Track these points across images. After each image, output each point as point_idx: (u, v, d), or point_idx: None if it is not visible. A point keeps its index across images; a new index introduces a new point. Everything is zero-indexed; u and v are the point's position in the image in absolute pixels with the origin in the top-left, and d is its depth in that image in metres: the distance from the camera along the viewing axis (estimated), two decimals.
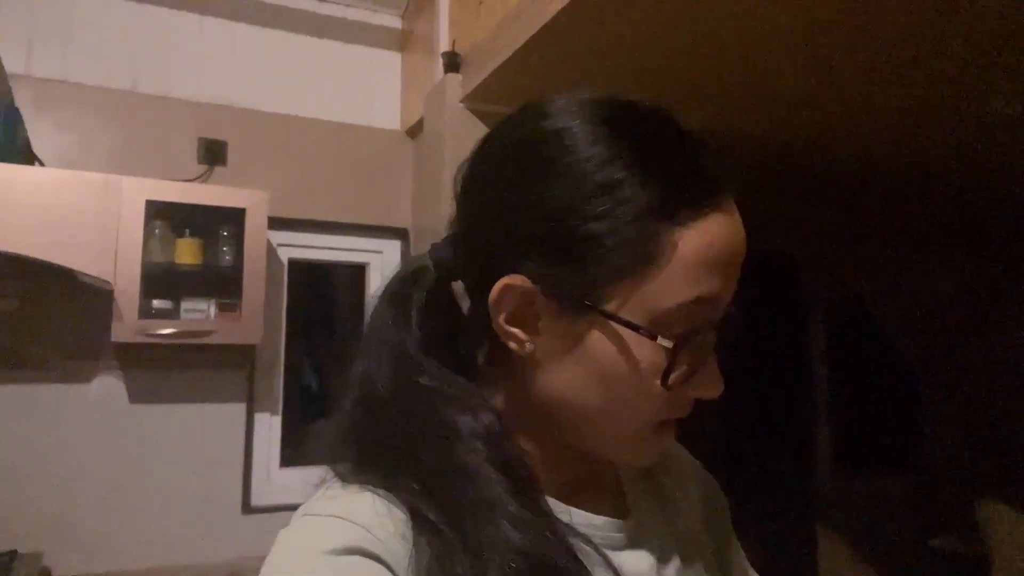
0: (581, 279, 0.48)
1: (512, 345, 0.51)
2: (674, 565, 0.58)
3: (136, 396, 2.15)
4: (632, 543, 0.57)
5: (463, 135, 1.91)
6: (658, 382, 0.48)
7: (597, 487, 0.59)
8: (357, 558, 0.44)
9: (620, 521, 0.57)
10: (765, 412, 3.04)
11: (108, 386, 2.12)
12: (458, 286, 0.58)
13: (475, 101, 1.92)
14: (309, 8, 2.55)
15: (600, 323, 0.48)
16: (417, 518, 0.46)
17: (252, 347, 2.24)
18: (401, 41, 2.69)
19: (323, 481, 0.52)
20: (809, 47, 1.57)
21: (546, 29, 1.49)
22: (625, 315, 0.48)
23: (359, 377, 0.54)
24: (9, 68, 1.99)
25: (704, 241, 0.48)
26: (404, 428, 0.51)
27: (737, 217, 0.50)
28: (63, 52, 2.19)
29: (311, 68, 2.55)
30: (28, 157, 2.05)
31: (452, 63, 1.97)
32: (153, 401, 2.17)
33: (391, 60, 2.68)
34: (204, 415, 2.22)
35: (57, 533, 2.00)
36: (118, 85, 2.25)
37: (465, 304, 0.58)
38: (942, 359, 3.34)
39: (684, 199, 0.48)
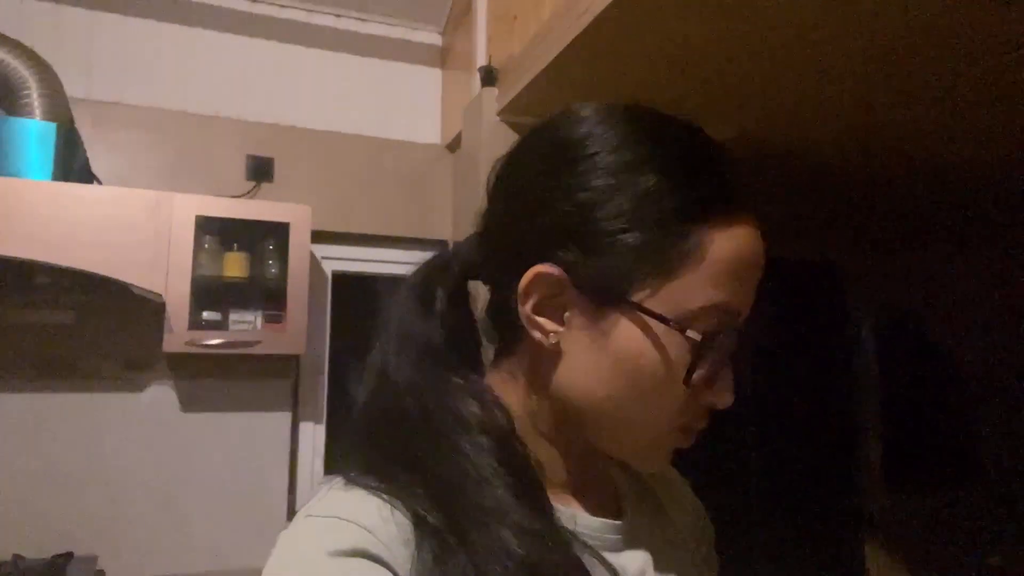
0: (613, 271, 0.49)
1: (537, 335, 0.52)
2: (668, 568, 0.59)
3: (186, 405, 2.23)
4: (628, 545, 0.57)
5: (499, 148, 1.90)
6: (681, 378, 0.49)
7: (594, 487, 0.59)
8: (360, 560, 0.44)
9: (617, 523, 0.57)
10: (812, 427, 2.97)
11: (160, 395, 2.20)
12: (474, 286, 0.59)
13: (510, 114, 1.94)
14: (352, 28, 2.62)
15: (629, 315, 0.49)
16: (420, 522, 0.47)
17: (296, 357, 2.30)
18: (441, 57, 2.74)
19: (328, 480, 0.51)
20: (859, 55, 1.55)
21: (577, 42, 1.50)
22: (655, 309, 0.48)
23: (377, 367, 0.54)
24: (69, 92, 2.10)
25: (732, 246, 0.49)
26: (416, 425, 0.51)
27: (759, 233, 0.52)
28: (119, 76, 2.30)
29: (354, 86, 2.62)
30: (87, 176, 2.15)
31: (488, 77, 2.00)
32: (202, 410, 2.24)
33: (432, 76, 2.73)
34: (251, 424, 2.28)
35: (111, 537, 2.07)
36: (171, 106, 2.35)
37: (477, 305, 0.59)
38: (998, 371, 3.22)
39: (718, 204, 0.49)
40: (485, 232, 0.57)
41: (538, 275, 0.50)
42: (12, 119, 1.94)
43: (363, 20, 2.64)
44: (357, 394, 0.56)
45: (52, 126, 1.94)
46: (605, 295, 0.50)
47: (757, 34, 1.46)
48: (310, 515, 0.48)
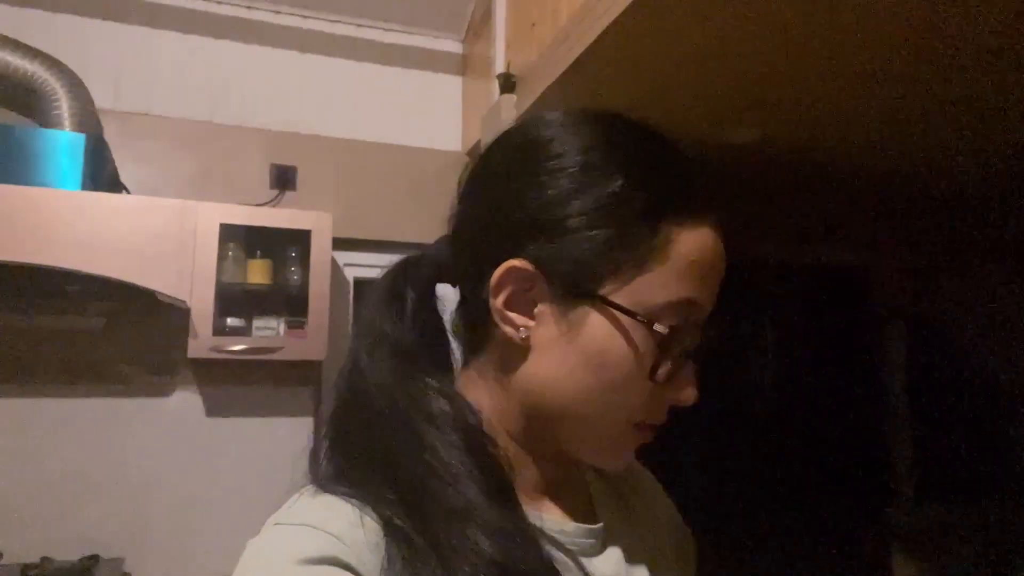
0: (582, 266, 0.50)
1: (507, 329, 0.52)
2: (643, 571, 0.59)
3: (211, 410, 2.26)
4: (603, 548, 0.57)
5: None
6: (647, 372, 0.50)
7: (567, 492, 0.59)
8: (329, 568, 0.44)
9: (591, 527, 0.57)
10: (839, 436, 2.93)
11: (185, 400, 2.23)
12: (441, 288, 0.60)
13: None
14: (374, 37, 2.65)
15: (598, 308, 0.50)
16: (389, 527, 0.46)
17: (318, 363, 2.32)
18: (462, 65, 2.76)
19: (297, 489, 0.51)
20: (890, 57, 1.53)
21: (594, 48, 1.51)
22: (622, 303, 0.50)
23: (349, 369, 0.55)
24: (98, 103, 2.15)
25: (697, 244, 0.51)
26: (386, 425, 0.51)
27: (721, 232, 0.53)
28: (147, 87, 2.35)
29: (376, 94, 2.64)
30: (115, 185, 2.20)
31: (507, 84, 2.01)
32: (226, 415, 2.27)
33: (452, 84, 2.75)
34: (274, 429, 2.31)
35: (137, 540, 2.11)
36: (196, 116, 2.39)
37: (444, 307, 0.60)
38: None
39: (682, 203, 0.51)
40: (455, 233, 0.59)
41: (510, 269, 0.51)
42: (43, 130, 1.99)
43: (385, 29, 2.67)
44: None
45: (81, 137, 1.99)
46: (574, 289, 0.51)
47: (778, 36, 1.45)
48: (279, 523, 0.48)
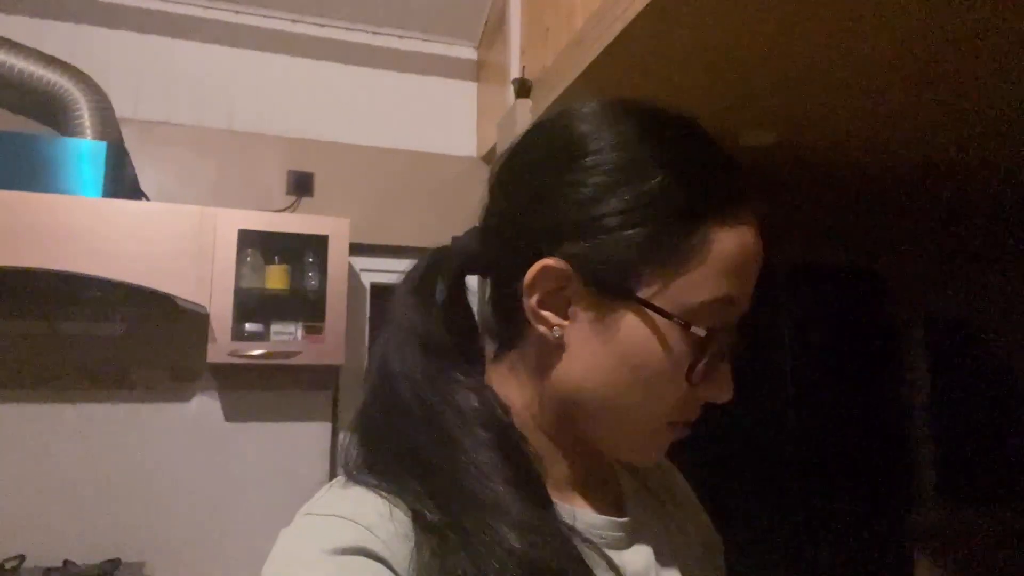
0: (619, 266, 0.49)
1: (541, 328, 0.52)
2: (673, 565, 0.58)
3: (230, 415, 2.27)
4: (632, 542, 0.56)
5: None
6: (683, 373, 0.50)
7: (596, 485, 0.59)
8: (359, 558, 0.44)
9: (620, 520, 0.57)
10: (861, 438, 2.90)
11: (205, 405, 2.25)
12: (470, 280, 0.60)
13: None
14: (390, 44, 2.67)
15: (635, 309, 0.49)
16: (419, 519, 0.46)
17: (336, 368, 2.33)
18: (477, 71, 2.77)
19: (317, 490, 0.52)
20: (907, 58, 1.52)
21: (609, 51, 1.51)
22: (660, 303, 0.49)
23: (378, 363, 0.54)
24: (119, 112, 2.18)
25: (738, 242, 0.50)
26: (415, 420, 0.51)
27: (759, 229, 0.52)
28: (166, 96, 2.38)
29: (392, 101, 2.66)
30: (135, 192, 2.22)
31: (522, 89, 2.01)
32: (246, 419, 2.29)
33: (468, 90, 2.76)
34: (292, 433, 2.32)
35: (158, 544, 2.12)
36: (215, 124, 2.42)
37: (473, 298, 0.59)
38: None
39: (722, 200, 0.50)
40: (486, 226, 0.58)
41: (544, 268, 0.50)
42: (64, 139, 2.02)
43: (400, 37, 2.68)
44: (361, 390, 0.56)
45: (102, 145, 2.02)
46: (610, 289, 0.50)
47: (795, 37, 1.45)
48: (310, 513, 0.48)
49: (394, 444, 0.50)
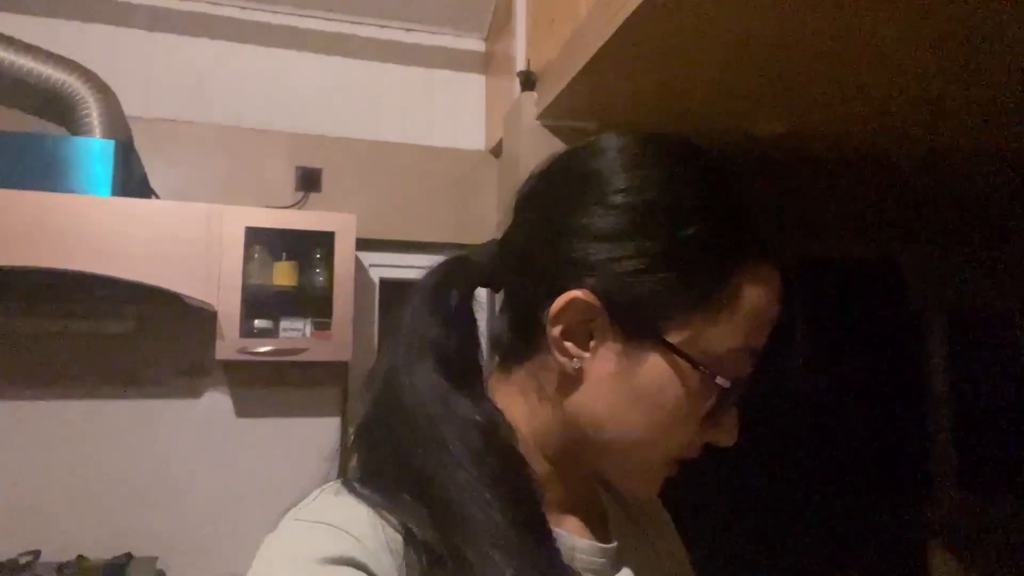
0: (647, 308, 0.49)
1: (560, 359, 0.51)
2: None
3: (241, 411, 2.29)
4: (616, 567, 0.57)
5: (539, 151, 1.92)
6: (698, 417, 0.50)
7: (584, 508, 0.59)
8: (346, 569, 0.43)
9: (605, 546, 0.56)
10: (876, 431, 2.87)
11: (215, 402, 2.27)
12: (480, 293, 0.59)
13: (549, 117, 1.94)
14: (397, 38, 2.66)
15: (661, 352, 0.49)
16: (410, 534, 0.46)
17: (345, 363, 2.34)
18: (484, 64, 2.75)
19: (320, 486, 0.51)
20: (920, 43, 1.49)
21: (612, 42, 1.48)
22: (685, 349, 0.49)
23: (385, 371, 0.54)
24: (127, 110, 2.19)
25: (764, 292, 0.50)
26: (418, 437, 0.50)
27: (782, 278, 0.52)
28: (174, 93, 2.38)
29: (400, 95, 2.65)
30: (145, 191, 2.23)
31: (528, 82, 2.00)
32: (256, 416, 2.30)
33: (475, 82, 2.74)
34: (302, 429, 2.33)
35: (170, 539, 2.14)
36: (223, 121, 2.42)
37: (479, 309, 0.59)
38: None
39: (754, 250, 0.50)
40: (507, 243, 0.57)
41: (573, 301, 0.50)
42: (74, 138, 2.03)
43: (407, 30, 2.67)
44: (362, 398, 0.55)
45: (111, 144, 2.03)
46: (638, 329, 0.50)
47: (803, 24, 1.42)
48: (298, 519, 0.48)
49: (393, 457, 0.50)
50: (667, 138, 0.54)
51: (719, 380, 0.49)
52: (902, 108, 1.87)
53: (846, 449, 2.79)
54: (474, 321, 0.59)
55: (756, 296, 0.49)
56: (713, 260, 0.49)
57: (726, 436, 0.53)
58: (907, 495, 2.91)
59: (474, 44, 2.75)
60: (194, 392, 2.25)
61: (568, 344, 0.51)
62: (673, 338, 0.49)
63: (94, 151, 2.01)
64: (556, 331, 0.51)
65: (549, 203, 0.55)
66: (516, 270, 0.55)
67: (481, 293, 0.60)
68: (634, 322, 0.49)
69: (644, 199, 0.50)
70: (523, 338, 0.55)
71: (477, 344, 0.58)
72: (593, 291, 0.49)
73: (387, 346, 0.55)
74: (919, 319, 3.06)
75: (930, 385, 3.05)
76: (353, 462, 0.52)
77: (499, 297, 0.59)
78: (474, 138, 2.69)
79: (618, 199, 0.50)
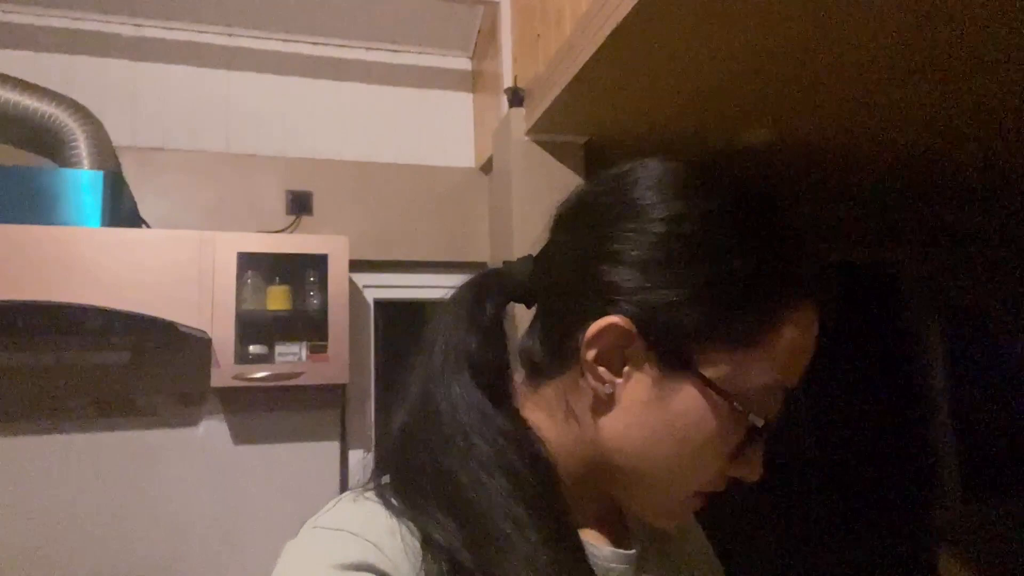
0: (685, 339, 0.48)
1: (593, 383, 0.51)
2: None
3: (238, 437, 2.27)
4: (638, 574, 0.56)
5: (529, 166, 1.93)
6: (727, 452, 0.50)
7: (604, 515, 0.59)
8: (365, 574, 0.44)
9: (625, 552, 0.56)
10: (881, 435, 2.86)
11: (213, 429, 2.25)
12: (511, 308, 0.59)
13: (538, 133, 1.94)
14: (383, 59, 2.67)
15: (695, 383, 0.49)
16: (429, 541, 0.46)
17: (342, 386, 2.32)
18: (471, 82, 2.76)
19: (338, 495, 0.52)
20: (902, 54, 1.50)
21: (598, 55, 1.50)
22: (720, 384, 0.48)
23: (421, 383, 0.54)
24: (115, 140, 2.18)
25: (802, 330, 0.49)
26: (454, 451, 0.50)
27: (819, 313, 0.52)
28: (162, 121, 2.38)
29: (388, 115, 2.66)
30: (135, 220, 2.22)
31: (515, 98, 2.01)
32: (254, 442, 2.28)
33: (463, 101, 2.75)
34: (301, 454, 2.31)
35: (169, 567, 2.12)
36: (212, 147, 2.42)
37: (513, 328, 0.58)
38: None
39: (798, 287, 0.50)
40: (544, 260, 0.57)
41: (611, 326, 0.49)
42: (62, 170, 2.03)
43: (394, 51, 2.68)
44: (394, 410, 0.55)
45: (100, 174, 2.02)
46: (674, 360, 0.49)
47: (788, 33, 1.43)
48: (317, 526, 0.48)
49: (424, 469, 0.50)
50: (713, 168, 0.54)
51: (752, 418, 0.48)
52: (890, 113, 1.89)
53: (849, 454, 2.78)
54: (505, 335, 0.59)
55: (796, 335, 0.49)
56: (757, 298, 0.48)
57: (752, 471, 0.52)
58: (911, 498, 2.91)
59: (460, 63, 2.76)
60: (191, 420, 2.23)
61: (601, 369, 0.51)
62: (708, 372, 0.48)
63: (83, 182, 2.01)
64: (590, 355, 0.50)
65: (588, 223, 0.54)
66: (552, 288, 0.55)
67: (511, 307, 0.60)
68: (670, 353, 0.49)
69: (691, 229, 0.49)
70: (555, 356, 0.54)
71: (506, 357, 0.58)
72: (631, 318, 0.49)
73: (421, 359, 0.55)
74: (916, 322, 3.07)
75: (930, 388, 3.05)
76: (376, 469, 0.52)
77: (528, 312, 0.60)
78: (463, 156, 2.70)
79: (664, 227, 0.49)
